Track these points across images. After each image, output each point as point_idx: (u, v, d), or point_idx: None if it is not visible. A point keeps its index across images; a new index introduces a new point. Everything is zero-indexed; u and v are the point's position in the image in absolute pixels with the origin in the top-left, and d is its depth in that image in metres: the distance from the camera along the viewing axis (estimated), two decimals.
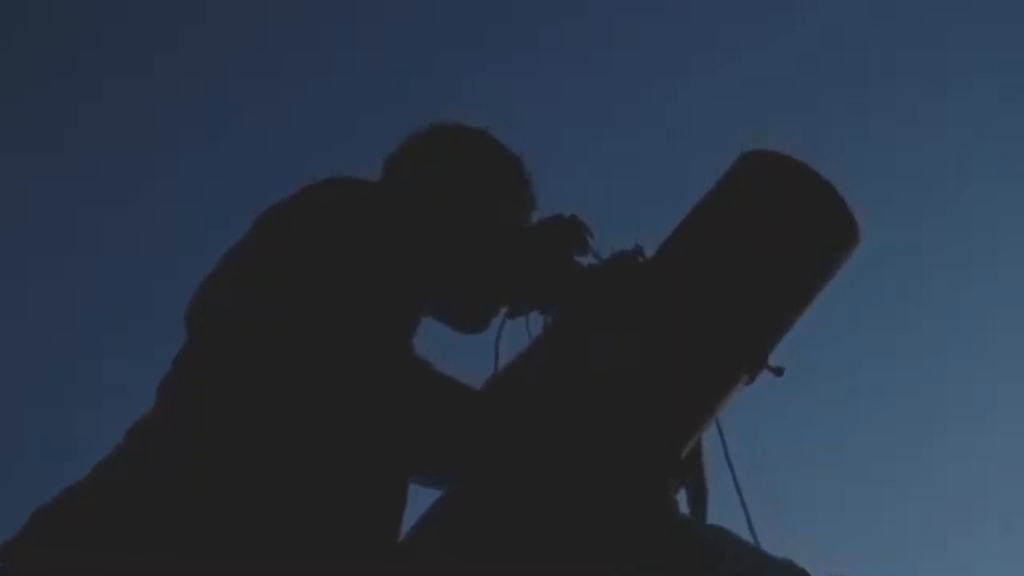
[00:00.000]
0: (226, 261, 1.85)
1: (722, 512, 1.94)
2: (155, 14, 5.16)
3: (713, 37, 5.09)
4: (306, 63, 5.27)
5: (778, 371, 1.96)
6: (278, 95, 5.29)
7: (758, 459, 2.08)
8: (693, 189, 2.05)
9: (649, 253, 2.00)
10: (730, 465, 1.98)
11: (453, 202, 2.01)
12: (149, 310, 4.64)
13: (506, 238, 2.05)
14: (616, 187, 4.54)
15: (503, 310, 2.05)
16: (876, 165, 4.74)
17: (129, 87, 5.11)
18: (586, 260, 2.03)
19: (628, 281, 1.95)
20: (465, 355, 1.98)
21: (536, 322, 2.03)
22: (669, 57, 5.13)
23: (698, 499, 1.94)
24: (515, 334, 2.03)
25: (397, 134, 2.12)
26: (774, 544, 1.90)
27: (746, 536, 1.93)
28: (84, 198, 4.99)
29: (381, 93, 5.22)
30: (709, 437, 1.97)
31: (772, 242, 1.96)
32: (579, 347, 1.90)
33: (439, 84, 4.95)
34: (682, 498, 1.94)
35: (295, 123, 5.28)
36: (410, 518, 1.82)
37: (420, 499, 1.87)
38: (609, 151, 4.91)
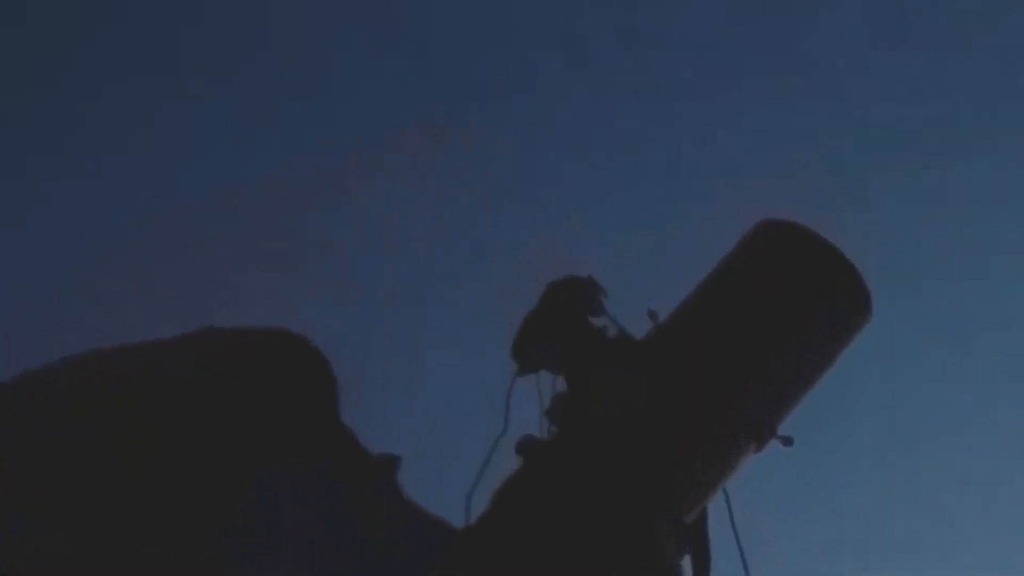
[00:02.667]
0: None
1: None
2: (155, 14, 5.15)
3: (734, 95, 5.09)
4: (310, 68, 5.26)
5: (787, 441, 1.98)
6: (280, 97, 5.28)
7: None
8: (710, 250, 2.07)
9: (662, 316, 2.02)
10: (735, 533, 2.00)
11: None
12: (149, 311, 4.63)
13: None
14: (630, 247, 4.54)
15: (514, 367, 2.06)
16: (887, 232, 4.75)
17: (129, 88, 5.09)
18: (599, 321, 2.04)
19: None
20: (475, 413, 1.98)
21: (547, 381, 2.04)
22: (689, 113, 5.14)
23: (702, 567, 1.96)
24: (526, 392, 2.04)
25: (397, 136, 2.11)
26: None
27: None
28: (84, 200, 4.98)
29: (382, 100, 5.22)
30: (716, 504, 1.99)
31: (786, 313, 1.98)
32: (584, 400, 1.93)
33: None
34: (687, 565, 1.95)
35: (296, 125, 5.28)
36: None
37: None
38: (623, 209, 4.92)
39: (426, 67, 5.25)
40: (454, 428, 1.79)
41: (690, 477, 1.93)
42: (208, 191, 5.14)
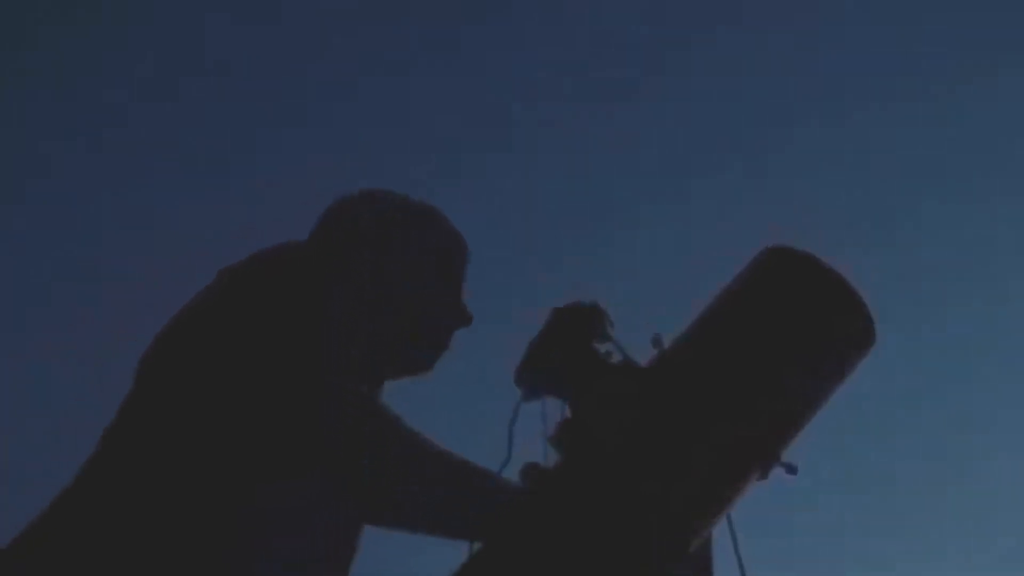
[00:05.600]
0: (185, 316, 1.88)
1: None
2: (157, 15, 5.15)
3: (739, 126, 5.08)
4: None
5: (791, 468, 1.98)
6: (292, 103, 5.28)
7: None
8: (715, 274, 2.08)
9: (667, 341, 2.02)
10: (740, 561, 2.00)
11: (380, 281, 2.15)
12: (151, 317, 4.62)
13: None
14: (638, 271, 4.54)
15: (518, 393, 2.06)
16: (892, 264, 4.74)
17: (128, 88, 5.09)
18: (604, 347, 2.04)
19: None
20: (479, 439, 1.99)
21: (552, 407, 2.04)
22: (697, 138, 5.13)
23: None
24: (529, 418, 2.04)
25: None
26: None
27: None
28: (88, 201, 4.98)
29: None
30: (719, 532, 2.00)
31: (789, 340, 1.98)
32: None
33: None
34: None
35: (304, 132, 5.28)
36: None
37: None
38: (630, 233, 4.91)
39: (430, 83, 5.25)
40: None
41: (693, 504, 1.93)
42: (207, 192, 5.15)
